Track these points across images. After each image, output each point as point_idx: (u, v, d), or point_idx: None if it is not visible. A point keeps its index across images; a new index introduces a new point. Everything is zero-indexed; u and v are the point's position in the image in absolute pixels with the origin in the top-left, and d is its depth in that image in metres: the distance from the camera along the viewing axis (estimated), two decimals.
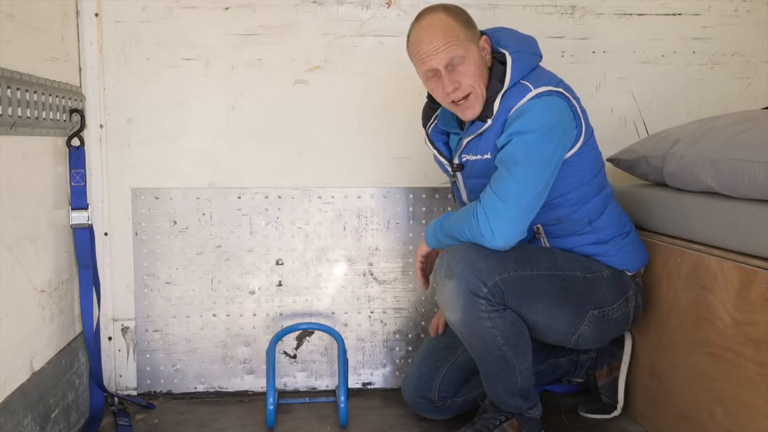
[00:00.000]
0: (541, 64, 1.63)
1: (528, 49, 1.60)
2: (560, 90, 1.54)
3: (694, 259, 1.51)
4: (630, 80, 2.06)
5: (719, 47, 2.07)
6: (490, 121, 1.54)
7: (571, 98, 1.56)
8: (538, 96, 1.50)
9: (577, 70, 2.01)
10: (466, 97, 1.54)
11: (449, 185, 1.79)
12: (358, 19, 1.96)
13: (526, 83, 1.53)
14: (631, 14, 2.04)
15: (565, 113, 1.53)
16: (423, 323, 2.05)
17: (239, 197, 1.97)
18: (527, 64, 1.57)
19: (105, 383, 1.91)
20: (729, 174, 1.40)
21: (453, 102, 1.55)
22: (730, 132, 1.48)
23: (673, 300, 1.59)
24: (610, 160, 1.90)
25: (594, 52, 2.04)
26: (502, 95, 1.54)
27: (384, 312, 2.04)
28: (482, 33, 1.60)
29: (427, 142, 1.73)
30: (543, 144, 1.47)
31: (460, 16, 1.55)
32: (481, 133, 1.58)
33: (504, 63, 1.55)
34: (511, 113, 1.52)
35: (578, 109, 1.57)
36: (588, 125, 1.60)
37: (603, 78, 2.05)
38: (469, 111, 1.55)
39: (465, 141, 1.62)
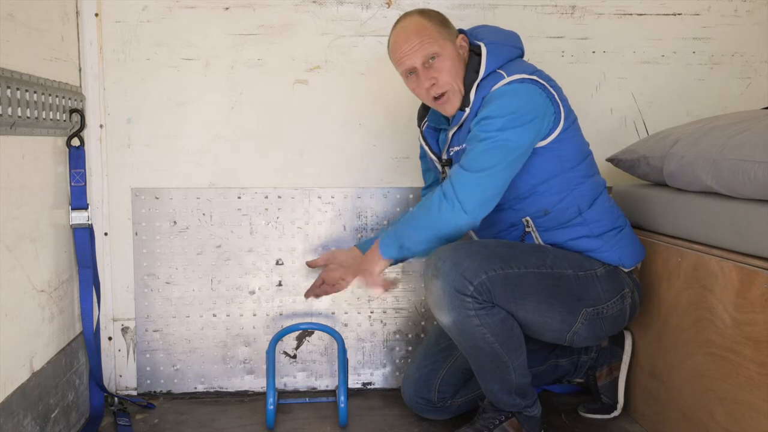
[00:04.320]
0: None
1: (506, 41, 1.64)
2: (534, 77, 1.57)
3: (694, 259, 1.51)
4: (630, 80, 2.06)
5: (719, 47, 2.07)
6: (468, 110, 1.59)
7: (547, 85, 1.58)
8: (509, 83, 1.55)
9: (577, 70, 2.02)
10: (444, 93, 1.60)
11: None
12: (358, 19, 1.96)
13: (501, 72, 1.58)
14: (631, 14, 2.04)
15: (538, 99, 1.55)
16: (423, 323, 2.05)
17: (239, 197, 1.97)
18: (503, 55, 1.61)
19: (105, 383, 1.91)
20: (729, 174, 1.40)
21: (433, 99, 1.61)
22: (730, 132, 1.48)
23: (673, 300, 1.59)
24: (610, 160, 1.90)
25: (594, 52, 2.04)
26: (478, 84, 1.58)
27: (384, 312, 2.04)
28: (461, 31, 1.65)
29: (421, 140, 1.77)
30: (509, 128, 1.51)
31: (435, 17, 1.62)
32: (462, 124, 1.62)
33: (480, 55, 1.60)
34: (483, 100, 1.57)
35: (556, 96, 1.59)
36: (569, 112, 1.62)
37: (603, 78, 2.05)
38: (448, 105, 1.62)
39: (451, 134, 1.66)
